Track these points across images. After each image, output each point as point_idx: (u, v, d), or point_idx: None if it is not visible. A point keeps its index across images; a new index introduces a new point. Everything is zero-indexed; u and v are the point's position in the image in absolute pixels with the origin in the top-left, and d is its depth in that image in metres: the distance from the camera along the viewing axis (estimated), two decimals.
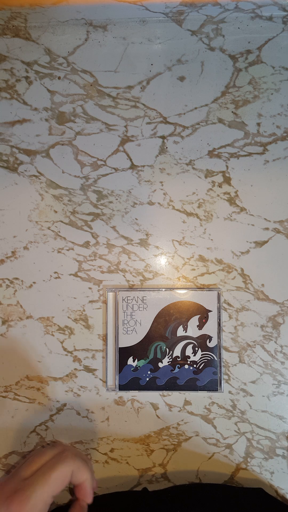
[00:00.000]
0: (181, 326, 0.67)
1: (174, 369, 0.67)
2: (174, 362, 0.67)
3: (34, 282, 0.69)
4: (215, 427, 0.68)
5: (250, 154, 0.68)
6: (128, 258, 0.69)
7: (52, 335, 0.69)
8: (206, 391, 0.67)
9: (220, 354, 0.67)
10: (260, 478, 0.68)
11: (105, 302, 0.69)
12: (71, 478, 0.52)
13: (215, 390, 0.66)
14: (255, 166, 0.68)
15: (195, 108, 0.68)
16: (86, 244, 0.69)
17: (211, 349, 0.67)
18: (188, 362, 0.67)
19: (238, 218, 0.68)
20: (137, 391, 0.67)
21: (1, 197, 0.70)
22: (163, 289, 0.67)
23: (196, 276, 0.68)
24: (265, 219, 0.68)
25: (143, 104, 0.68)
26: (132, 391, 0.67)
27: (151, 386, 0.67)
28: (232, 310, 0.68)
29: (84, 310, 0.69)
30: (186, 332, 0.67)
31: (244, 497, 0.64)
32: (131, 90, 0.68)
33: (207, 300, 0.67)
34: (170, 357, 0.67)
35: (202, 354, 0.67)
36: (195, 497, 0.64)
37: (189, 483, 0.68)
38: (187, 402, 0.68)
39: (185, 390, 0.67)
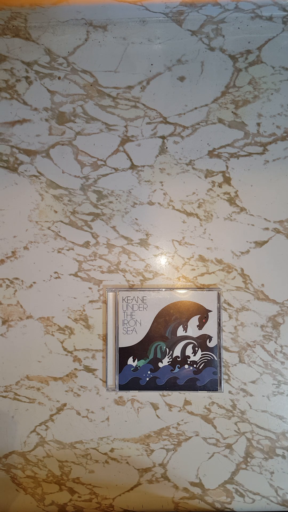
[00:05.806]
0: (181, 326, 0.67)
1: (174, 369, 0.67)
2: (174, 362, 0.67)
3: (34, 282, 0.69)
4: (215, 427, 0.68)
5: (250, 154, 0.68)
6: (128, 258, 0.69)
7: (52, 335, 0.69)
8: (206, 391, 0.67)
9: (220, 354, 0.67)
10: (260, 478, 0.68)
11: (105, 302, 0.69)
12: None
13: (215, 390, 0.66)
14: (255, 166, 0.68)
15: (195, 108, 0.68)
16: (86, 244, 0.69)
17: (211, 349, 0.67)
18: (188, 362, 0.67)
19: (238, 218, 0.68)
20: (137, 391, 0.67)
21: (1, 197, 0.70)
22: (163, 289, 0.67)
23: (196, 276, 0.68)
24: (265, 219, 0.68)
25: (143, 104, 0.68)
26: (132, 391, 0.67)
27: (151, 386, 0.67)
28: (232, 310, 0.68)
29: (84, 310, 0.69)
30: (186, 332, 0.67)
31: None
32: (131, 90, 0.68)
33: (207, 300, 0.67)
34: (170, 357, 0.67)
35: (202, 354, 0.67)
36: None
37: None
38: (187, 402, 0.68)
39: (185, 390, 0.67)
